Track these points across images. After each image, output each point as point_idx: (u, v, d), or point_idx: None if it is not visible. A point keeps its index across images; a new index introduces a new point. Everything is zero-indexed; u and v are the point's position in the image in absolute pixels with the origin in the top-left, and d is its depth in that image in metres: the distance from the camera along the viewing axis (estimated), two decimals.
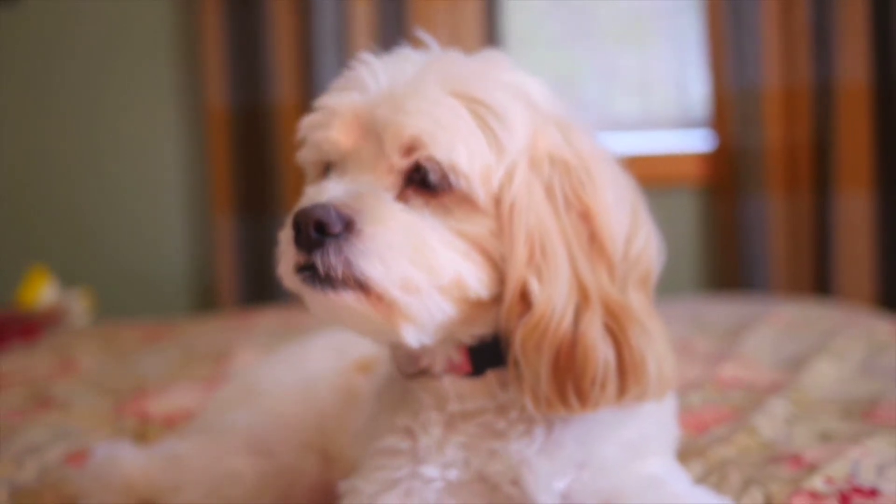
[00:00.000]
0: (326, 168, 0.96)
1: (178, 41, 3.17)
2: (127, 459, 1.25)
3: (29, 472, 1.38)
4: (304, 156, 0.98)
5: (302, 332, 1.57)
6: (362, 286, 0.87)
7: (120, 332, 2.51)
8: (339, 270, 0.87)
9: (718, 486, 1.15)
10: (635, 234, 0.94)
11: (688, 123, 3.20)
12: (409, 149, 0.89)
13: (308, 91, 3.00)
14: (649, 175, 3.12)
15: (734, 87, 3.00)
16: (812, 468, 1.17)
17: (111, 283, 3.14)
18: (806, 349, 1.86)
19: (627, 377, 0.90)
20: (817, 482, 1.12)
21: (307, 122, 0.96)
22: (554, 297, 0.89)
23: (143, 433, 1.56)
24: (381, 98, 0.92)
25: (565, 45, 3.35)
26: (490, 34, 3.04)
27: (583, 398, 0.90)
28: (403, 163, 0.90)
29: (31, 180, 3.21)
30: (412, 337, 0.91)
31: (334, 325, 0.95)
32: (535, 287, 0.89)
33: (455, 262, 0.89)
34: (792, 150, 2.99)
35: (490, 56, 0.99)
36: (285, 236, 0.91)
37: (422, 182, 0.89)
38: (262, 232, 3.04)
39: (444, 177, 0.89)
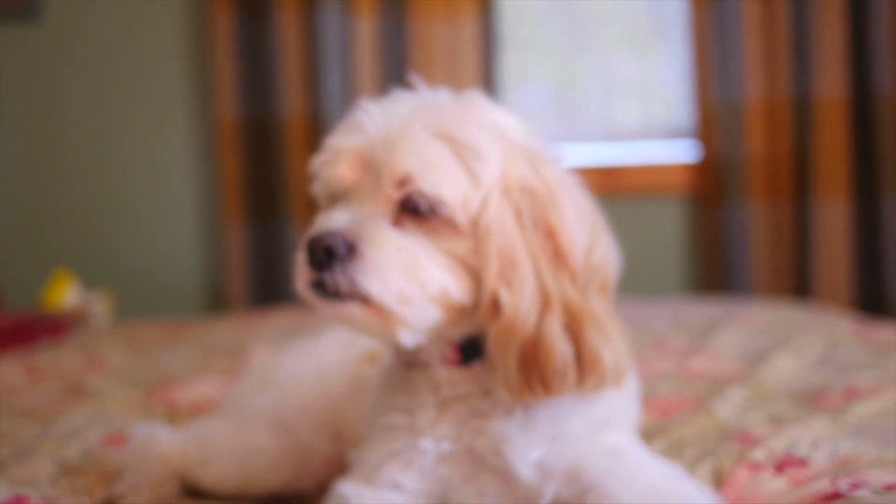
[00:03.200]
0: (334, 198, 1.12)
1: (192, 56, 3.29)
2: (163, 438, 1.40)
3: (73, 451, 1.51)
4: (316, 189, 1.14)
5: (310, 330, 1.69)
6: (364, 299, 1.04)
7: (141, 331, 2.65)
8: (345, 287, 1.03)
9: (676, 459, 1.30)
10: (595, 247, 1.09)
11: (676, 134, 3.32)
12: (402, 183, 1.05)
13: (313, 104, 3.12)
14: (640, 184, 3.27)
15: (719, 101, 3.11)
16: (756, 443, 1.34)
17: (128, 286, 3.26)
18: (770, 345, 2.01)
19: (585, 369, 1.06)
20: (758, 454, 1.29)
21: (317, 161, 1.12)
22: (520, 303, 1.05)
23: (171, 419, 1.71)
24: (378, 140, 1.08)
25: (563, 51, 3.47)
26: (487, 43, 3.16)
27: (547, 387, 1.05)
28: (398, 194, 1.06)
29: (53, 189, 3.33)
30: (407, 338, 1.07)
31: (341, 328, 1.12)
32: (504, 296, 1.05)
33: (441, 277, 1.05)
34: (773, 161, 3.11)
35: (470, 97, 1.14)
36: (300, 257, 1.07)
37: (413, 209, 1.06)
38: (271, 238, 3.16)
39: (432, 206, 1.05)
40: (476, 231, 1.07)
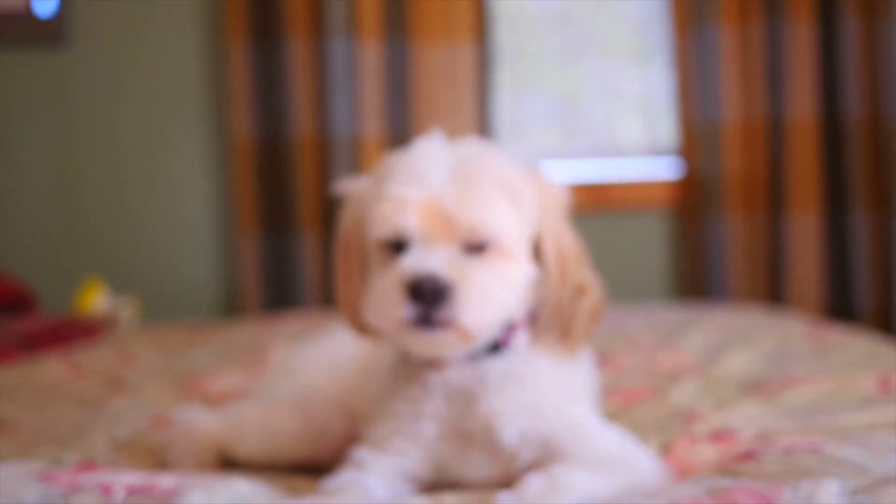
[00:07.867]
0: (398, 240, 1.29)
1: (209, 80, 3.48)
2: (202, 419, 1.61)
3: (123, 432, 1.69)
4: (379, 231, 1.29)
5: (320, 330, 1.87)
6: (456, 327, 1.26)
7: (166, 333, 2.83)
8: (446, 319, 1.25)
9: (631, 434, 1.55)
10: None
11: (660, 152, 3.52)
12: (473, 230, 1.27)
13: (322, 125, 3.28)
14: (626, 199, 3.48)
15: (700, 122, 3.29)
16: (698, 421, 1.58)
17: (151, 292, 3.43)
18: (728, 343, 2.23)
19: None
20: (698, 429, 1.53)
21: (383, 209, 1.28)
22: (596, 283, 1.36)
23: (206, 405, 1.90)
24: (445, 192, 1.27)
25: (553, 73, 3.65)
26: (483, 66, 3.33)
27: (594, 329, 1.37)
28: (470, 238, 1.28)
29: (82, 204, 3.50)
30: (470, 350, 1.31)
31: (429, 354, 1.33)
32: (588, 279, 1.36)
33: (508, 302, 1.30)
34: (749, 178, 3.30)
35: (478, 142, 1.37)
36: (394, 292, 1.25)
37: (478, 247, 1.28)
38: (282, 247, 3.32)
39: (500, 246, 1.28)
40: (541, 249, 1.34)
